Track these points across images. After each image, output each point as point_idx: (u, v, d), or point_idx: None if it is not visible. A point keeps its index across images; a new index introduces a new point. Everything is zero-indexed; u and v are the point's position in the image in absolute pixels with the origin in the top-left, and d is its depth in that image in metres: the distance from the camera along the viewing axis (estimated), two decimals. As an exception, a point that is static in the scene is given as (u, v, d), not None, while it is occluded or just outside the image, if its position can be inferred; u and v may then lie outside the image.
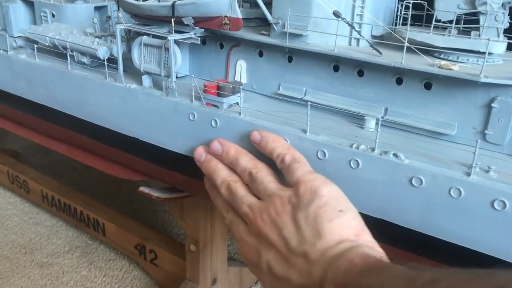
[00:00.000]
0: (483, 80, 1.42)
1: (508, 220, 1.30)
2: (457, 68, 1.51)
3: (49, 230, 3.43)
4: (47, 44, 2.48)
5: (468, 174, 1.35)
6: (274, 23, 1.85)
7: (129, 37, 2.15)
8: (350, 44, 1.80)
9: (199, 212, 2.46)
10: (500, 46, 1.56)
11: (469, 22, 1.71)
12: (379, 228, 1.56)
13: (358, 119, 1.70)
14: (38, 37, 2.54)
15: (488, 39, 1.44)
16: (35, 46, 2.52)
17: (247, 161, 1.57)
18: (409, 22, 1.68)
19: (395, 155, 1.45)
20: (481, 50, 1.52)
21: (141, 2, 2.02)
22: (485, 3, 1.57)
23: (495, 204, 1.31)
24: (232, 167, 1.61)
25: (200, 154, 1.73)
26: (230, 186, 1.54)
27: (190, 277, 2.63)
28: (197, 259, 2.55)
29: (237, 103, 1.84)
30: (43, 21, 2.79)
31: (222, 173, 1.61)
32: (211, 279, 2.66)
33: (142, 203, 3.73)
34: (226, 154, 1.64)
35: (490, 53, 1.55)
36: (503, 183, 1.31)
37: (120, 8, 2.10)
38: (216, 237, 2.60)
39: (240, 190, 1.51)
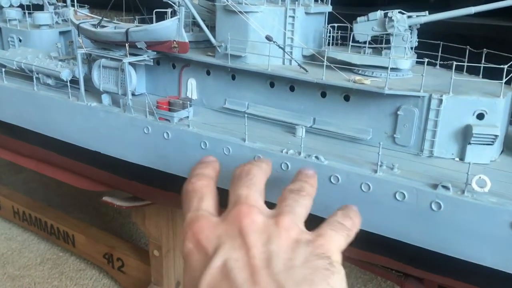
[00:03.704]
0: (387, 92, 1.68)
1: (406, 209, 1.55)
2: (369, 82, 1.77)
3: (21, 244, 3.56)
4: (14, 68, 2.66)
5: (375, 171, 1.60)
6: (218, 46, 2.09)
7: (90, 60, 2.36)
8: (284, 63, 2.05)
9: (161, 219, 2.65)
10: (405, 63, 1.83)
11: (388, 41, 1.98)
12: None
13: (291, 128, 1.95)
14: (6, 61, 2.71)
15: (389, 58, 1.71)
16: (3, 69, 2.69)
17: None
18: (330, 43, 1.95)
19: (317, 157, 1.69)
20: (388, 66, 1.78)
21: (98, 29, 2.24)
22: (393, 26, 1.84)
23: (397, 196, 1.55)
24: None
25: None
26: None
27: (155, 281, 2.81)
28: (161, 264, 2.73)
29: (187, 117, 2.07)
30: (11, 46, 2.97)
31: None
32: (175, 282, 2.84)
33: (111, 216, 3.89)
34: None
35: (397, 69, 1.83)
36: (402, 178, 1.57)
37: (80, 34, 2.32)
38: (178, 242, 2.79)
39: None
